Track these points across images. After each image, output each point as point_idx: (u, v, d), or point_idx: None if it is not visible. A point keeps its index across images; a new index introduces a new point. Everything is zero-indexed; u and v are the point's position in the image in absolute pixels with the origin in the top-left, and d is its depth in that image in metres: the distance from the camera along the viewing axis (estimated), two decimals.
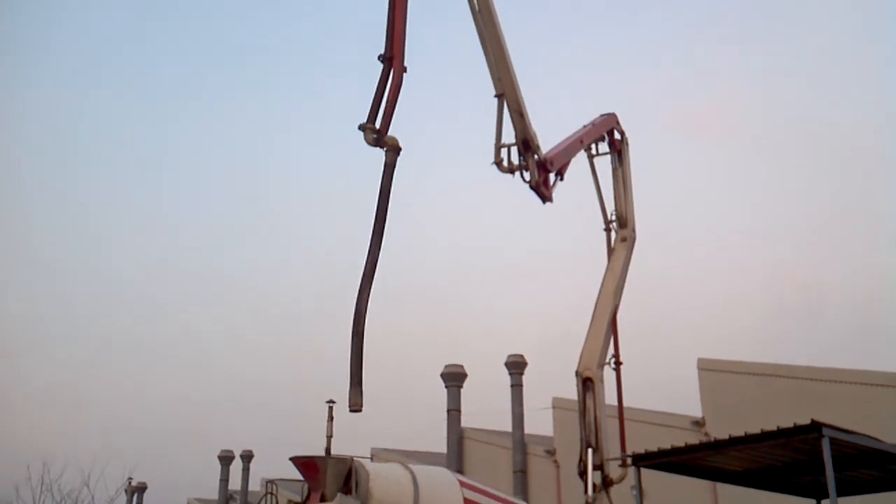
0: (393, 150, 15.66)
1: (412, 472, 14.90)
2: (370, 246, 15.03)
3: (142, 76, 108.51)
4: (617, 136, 25.28)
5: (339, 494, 13.77)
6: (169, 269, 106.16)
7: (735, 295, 79.98)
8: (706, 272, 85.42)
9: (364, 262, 14.94)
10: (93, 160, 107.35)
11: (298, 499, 15.59)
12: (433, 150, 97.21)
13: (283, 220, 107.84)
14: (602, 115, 25.12)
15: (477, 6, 18.49)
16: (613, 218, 24.64)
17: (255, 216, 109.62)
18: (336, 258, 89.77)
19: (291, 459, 15.67)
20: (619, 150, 25.18)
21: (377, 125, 15.61)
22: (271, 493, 16.01)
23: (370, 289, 14.50)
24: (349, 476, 14.08)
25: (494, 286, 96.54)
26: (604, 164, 25.44)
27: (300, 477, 18.23)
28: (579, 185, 23.92)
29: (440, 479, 15.63)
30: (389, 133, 15.78)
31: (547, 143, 21.36)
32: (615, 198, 24.80)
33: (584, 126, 24.04)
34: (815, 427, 9.46)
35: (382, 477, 14.57)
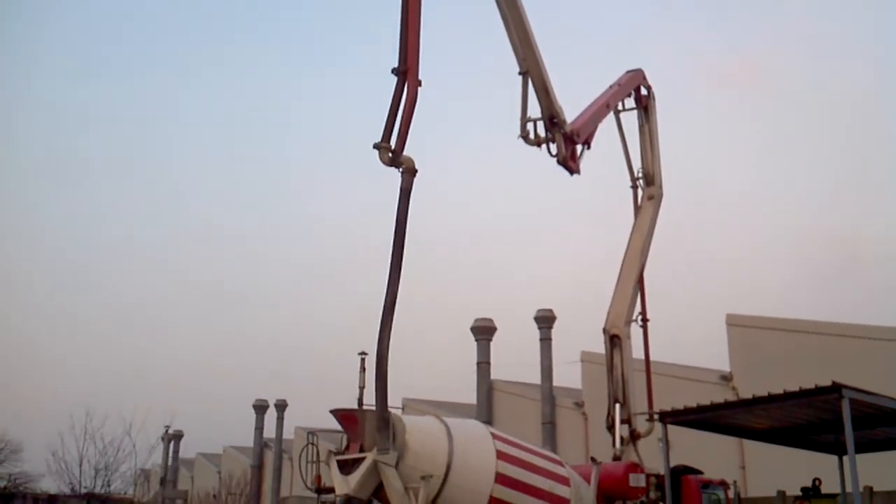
0: (409, 173, 15.28)
1: (447, 425, 15.35)
2: (389, 280, 14.70)
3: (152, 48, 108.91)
4: (643, 91, 25.27)
5: (376, 447, 14.22)
6: (203, 231, 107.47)
7: (768, 249, 79.86)
8: (739, 226, 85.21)
9: (384, 297, 14.63)
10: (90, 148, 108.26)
11: (337, 448, 16.06)
12: (464, 116, 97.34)
13: (319, 167, 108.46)
14: (628, 72, 25.01)
15: None
16: (640, 175, 24.88)
17: (284, 187, 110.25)
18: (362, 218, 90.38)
19: (332, 412, 16.17)
20: (645, 106, 25.20)
21: (392, 144, 15.20)
22: (312, 444, 16.52)
23: (391, 326, 14.40)
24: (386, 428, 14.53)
25: (526, 243, 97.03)
26: (630, 121, 25.53)
27: (337, 427, 18.89)
28: (607, 141, 24.07)
29: (473, 431, 16.07)
30: (405, 153, 15.18)
31: (575, 103, 21.51)
32: (642, 155, 24.92)
33: (611, 86, 24.01)
34: (836, 388, 9.84)
35: (418, 429, 15.04)
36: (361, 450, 14.48)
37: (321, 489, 15.74)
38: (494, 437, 15.75)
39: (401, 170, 15.29)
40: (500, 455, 15.36)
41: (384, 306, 14.64)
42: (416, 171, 15.32)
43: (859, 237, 76.77)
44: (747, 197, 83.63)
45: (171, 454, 72.28)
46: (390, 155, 15.18)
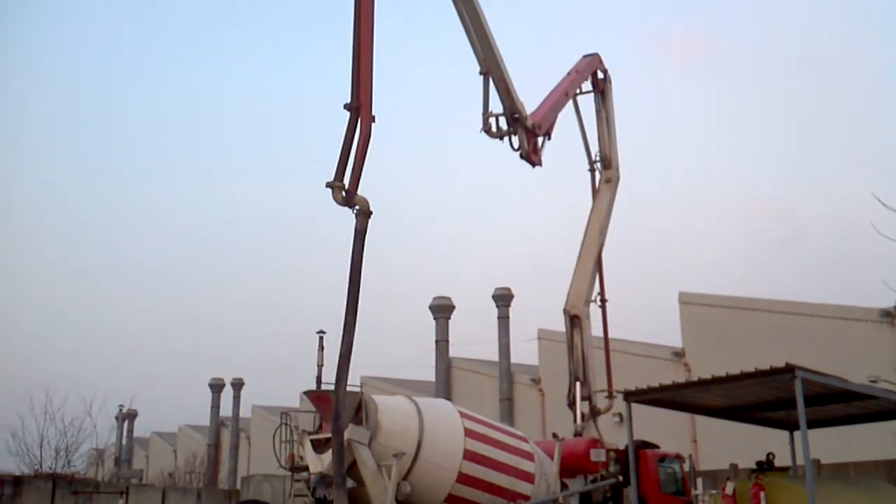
0: (363, 215, 14.77)
1: (417, 404, 15.87)
2: (345, 327, 14.27)
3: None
4: (600, 76, 25.83)
5: (350, 425, 14.70)
6: (156, 204, 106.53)
7: (718, 226, 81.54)
8: (690, 204, 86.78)
9: (340, 345, 14.18)
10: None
11: (307, 429, 16.47)
12: (419, 96, 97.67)
13: (270, 151, 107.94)
14: (585, 56, 25.57)
15: None
16: (598, 158, 25.45)
17: (242, 148, 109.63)
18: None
19: (305, 393, 16.65)
20: (602, 90, 25.71)
21: (346, 182, 14.69)
22: (286, 424, 16.96)
23: (347, 376, 14.14)
24: (359, 408, 14.99)
25: (484, 223, 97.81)
26: (587, 105, 26.00)
27: (305, 407, 19.25)
28: (565, 124, 24.55)
29: (442, 410, 16.61)
30: (359, 193, 14.65)
31: (532, 86, 21.81)
32: (599, 139, 25.47)
33: (568, 73, 24.54)
34: (790, 369, 10.52)
35: (390, 409, 15.56)
36: None
37: (295, 468, 16.17)
38: (463, 415, 16.28)
39: (355, 210, 14.81)
40: (469, 433, 15.91)
41: (340, 355, 14.21)
42: (370, 212, 14.84)
43: (803, 212, 78.78)
44: (695, 174, 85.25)
45: (125, 433, 72.04)
46: (344, 194, 14.69)
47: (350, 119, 14.92)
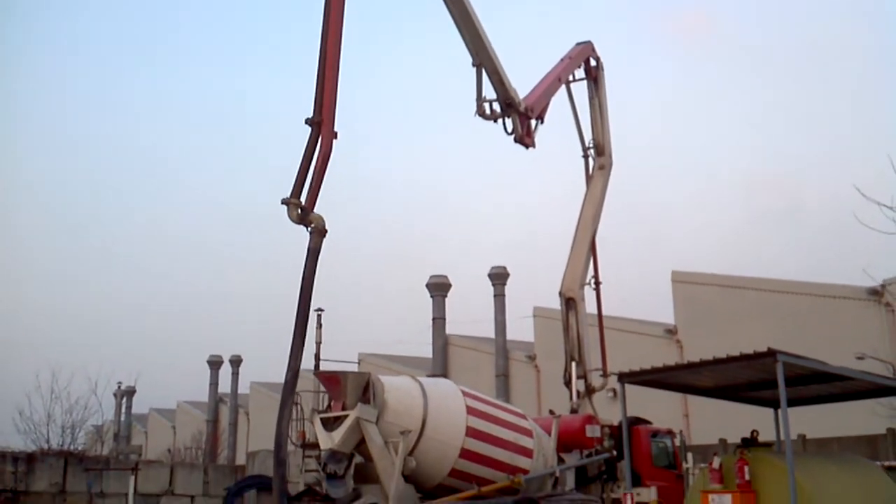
0: (318, 233, 14.46)
1: (421, 384, 16.67)
2: (292, 351, 14.02)
3: None
4: (593, 63, 26.43)
5: (358, 404, 15.46)
6: (150, 184, 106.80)
7: (714, 201, 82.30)
8: (685, 181, 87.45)
9: (285, 372, 13.93)
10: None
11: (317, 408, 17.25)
12: (418, 77, 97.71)
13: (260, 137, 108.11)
14: (578, 44, 26.17)
15: None
16: (591, 145, 26.07)
17: (233, 139, 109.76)
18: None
19: (315, 374, 17.47)
20: (595, 78, 26.34)
21: (303, 199, 14.41)
22: (296, 403, 17.75)
23: (292, 406, 14.26)
24: (367, 388, 15.75)
25: (480, 201, 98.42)
26: (580, 92, 26.39)
27: (306, 386, 19.99)
28: (559, 110, 25.13)
29: (446, 389, 17.38)
30: (316, 210, 14.41)
31: (525, 71, 22.35)
32: (592, 126, 26.08)
33: (562, 59, 25.17)
34: (772, 353, 11.32)
35: (396, 388, 16.33)
36: (343, 408, 15.65)
37: (305, 445, 17.00)
38: (465, 394, 17.05)
39: (309, 229, 14.55)
40: (470, 410, 16.68)
41: (285, 384, 14.06)
42: (325, 231, 14.62)
43: (802, 184, 79.43)
44: (692, 148, 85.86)
45: (123, 410, 72.85)
46: (300, 212, 14.45)
47: (311, 135, 14.71)
